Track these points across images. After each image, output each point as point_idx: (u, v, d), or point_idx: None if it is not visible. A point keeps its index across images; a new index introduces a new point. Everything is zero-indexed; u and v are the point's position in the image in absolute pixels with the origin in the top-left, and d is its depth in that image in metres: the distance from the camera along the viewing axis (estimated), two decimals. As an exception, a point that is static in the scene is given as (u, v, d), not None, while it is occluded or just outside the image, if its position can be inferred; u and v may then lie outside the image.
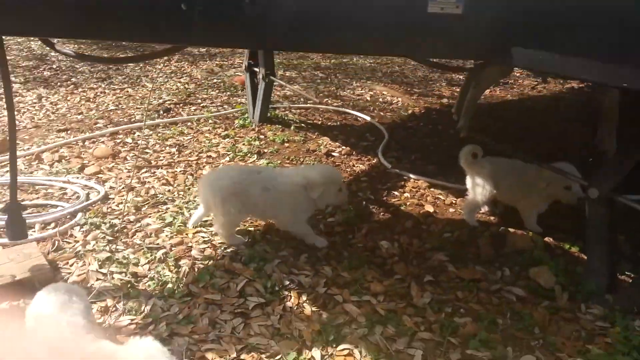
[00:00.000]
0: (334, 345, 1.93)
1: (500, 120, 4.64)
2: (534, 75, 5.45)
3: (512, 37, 2.08)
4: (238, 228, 2.65)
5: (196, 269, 2.36)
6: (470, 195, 2.81)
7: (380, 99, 5.38)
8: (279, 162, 3.60)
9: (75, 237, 2.63)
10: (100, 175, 3.39)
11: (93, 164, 3.53)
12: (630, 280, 2.24)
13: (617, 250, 2.18)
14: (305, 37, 2.02)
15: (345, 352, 1.90)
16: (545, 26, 2.02)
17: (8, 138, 2.14)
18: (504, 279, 2.31)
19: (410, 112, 4.94)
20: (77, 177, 3.33)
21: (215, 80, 5.92)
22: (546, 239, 2.57)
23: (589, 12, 1.84)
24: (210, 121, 4.47)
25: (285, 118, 4.60)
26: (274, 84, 4.51)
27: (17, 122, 4.37)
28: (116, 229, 2.69)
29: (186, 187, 3.19)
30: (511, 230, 2.68)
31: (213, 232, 2.66)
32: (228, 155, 3.73)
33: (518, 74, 6.14)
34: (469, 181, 2.84)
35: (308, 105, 5.02)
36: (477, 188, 2.76)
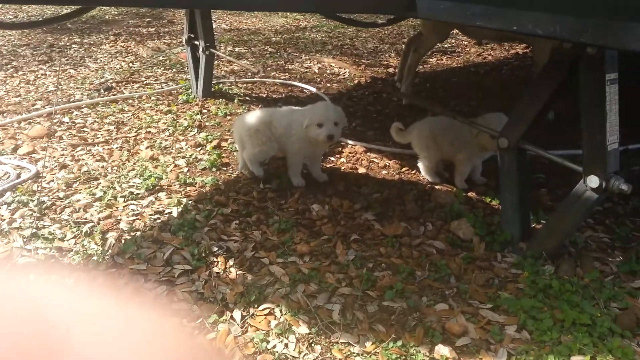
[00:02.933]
0: (256, 306, 1.95)
1: (445, 84, 4.72)
2: (477, 43, 5.51)
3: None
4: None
5: (123, 241, 2.35)
6: (421, 159, 2.89)
7: (328, 71, 5.37)
8: (219, 134, 3.58)
9: (2, 215, 2.57)
10: (33, 155, 3.31)
11: (27, 144, 3.44)
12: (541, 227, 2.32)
13: (529, 199, 2.25)
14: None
15: (266, 311, 1.93)
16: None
17: None
18: (426, 234, 2.38)
19: (356, 82, 4.95)
20: (10, 158, 3.24)
21: (161, 58, 5.80)
22: (469, 193, 2.65)
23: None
24: (152, 98, 4.39)
25: (230, 92, 4.55)
26: (221, 58, 4.46)
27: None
28: (44, 205, 2.64)
29: (121, 163, 3.14)
30: (437, 187, 2.74)
31: (144, 205, 2.65)
32: (168, 130, 3.68)
33: (465, 42, 6.21)
34: (415, 146, 2.91)
35: (255, 79, 4.98)
36: (422, 150, 2.86)
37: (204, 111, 4.06)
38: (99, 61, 5.74)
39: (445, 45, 6.13)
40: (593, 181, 1.91)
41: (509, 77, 4.99)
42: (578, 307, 1.83)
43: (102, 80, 4.95)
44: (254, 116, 2.89)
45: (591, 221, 2.42)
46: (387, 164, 3.10)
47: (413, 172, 2.99)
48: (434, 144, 2.80)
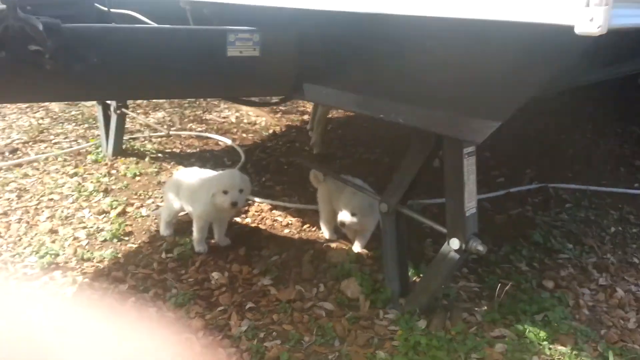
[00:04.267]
0: (141, 392, 1.97)
1: (355, 131, 4.96)
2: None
3: (303, 75, 2.32)
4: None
5: (10, 330, 2.29)
6: (322, 213, 3.03)
7: (245, 120, 5.49)
8: (125, 199, 3.56)
9: None
10: None
11: None
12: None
13: (406, 258, 2.42)
14: (112, 88, 2.10)
15: (152, 396, 1.95)
16: (325, 66, 2.27)
17: None
18: (318, 295, 2.49)
19: (271, 131, 5.09)
20: None
21: (73, 113, 5.69)
22: (360, 250, 2.81)
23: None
24: (60, 159, 4.31)
25: (142, 149, 4.55)
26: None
27: None
28: None
29: (18, 238, 3.06)
30: (333, 245, 2.88)
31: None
32: (72, 195, 3.63)
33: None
34: (319, 199, 3.06)
35: (170, 132, 5.00)
36: (320, 203, 3.02)
37: (113, 172, 4.03)
38: (7, 118, 5.56)
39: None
40: (455, 243, 2.11)
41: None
42: (443, 362, 1.99)
43: (8, 141, 4.81)
44: (172, 176, 3.17)
45: (465, 270, 2.63)
46: (290, 222, 3.21)
47: (314, 229, 3.11)
48: (329, 199, 2.95)
